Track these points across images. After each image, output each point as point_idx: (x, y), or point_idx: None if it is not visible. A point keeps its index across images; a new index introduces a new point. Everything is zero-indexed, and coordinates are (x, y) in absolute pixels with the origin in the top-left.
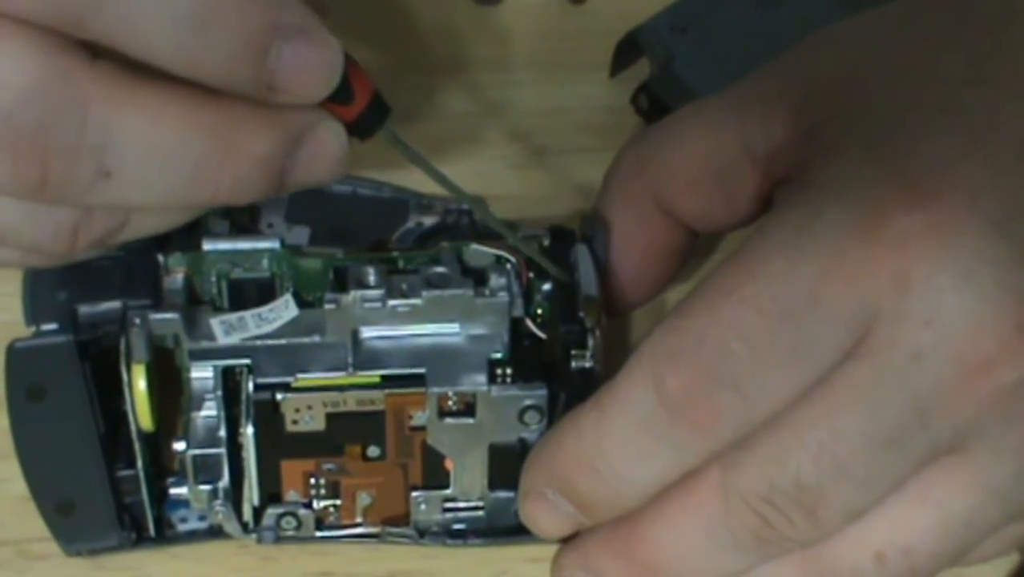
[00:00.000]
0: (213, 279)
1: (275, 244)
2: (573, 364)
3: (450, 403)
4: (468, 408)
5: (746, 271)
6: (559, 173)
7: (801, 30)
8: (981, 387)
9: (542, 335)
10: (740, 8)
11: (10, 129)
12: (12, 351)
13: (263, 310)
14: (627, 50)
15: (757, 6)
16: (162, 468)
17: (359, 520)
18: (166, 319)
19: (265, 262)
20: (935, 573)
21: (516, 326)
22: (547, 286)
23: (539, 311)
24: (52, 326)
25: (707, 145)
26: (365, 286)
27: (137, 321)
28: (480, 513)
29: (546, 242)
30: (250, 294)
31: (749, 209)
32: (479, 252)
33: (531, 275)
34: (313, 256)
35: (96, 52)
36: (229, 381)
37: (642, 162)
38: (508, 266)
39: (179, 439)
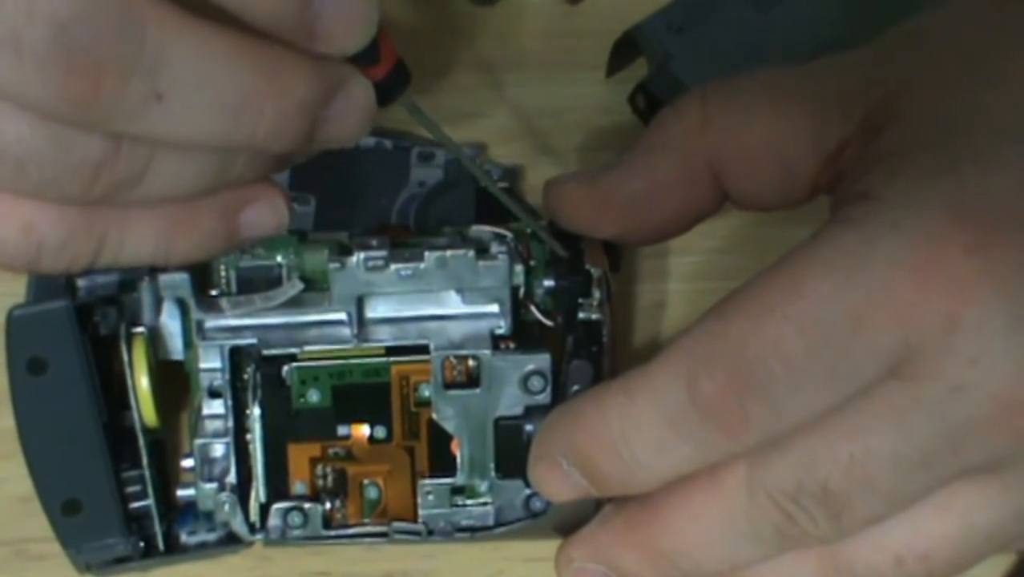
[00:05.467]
0: (222, 269)
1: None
2: (580, 315)
3: (455, 373)
4: (472, 381)
5: (793, 287)
6: (556, 173)
7: (798, 31)
8: (1016, 424)
9: (548, 322)
10: (737, 8)
11: (66, 41)
12: (11, 318)
13: (270, 292)
14: (624, 50)
15: (754, 6)
16: (170, 495)
17: (366, 520)
18: (175, 280)
19: (274, 252)
20: None
21: (517, 299)
22: (549, 281)
23: (542, 305)
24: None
25: (778, 129)
26: (369, 249)
27: (145, 280)
28: (488, 508)
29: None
30: (259, 286)
31: (799, 197)
32: (480, 231)
33: (532, 262)
34: (319, 242)
35: None
36: (236, 370)
37: (707, 121)
38: (508, 238)
39: (187, 456)
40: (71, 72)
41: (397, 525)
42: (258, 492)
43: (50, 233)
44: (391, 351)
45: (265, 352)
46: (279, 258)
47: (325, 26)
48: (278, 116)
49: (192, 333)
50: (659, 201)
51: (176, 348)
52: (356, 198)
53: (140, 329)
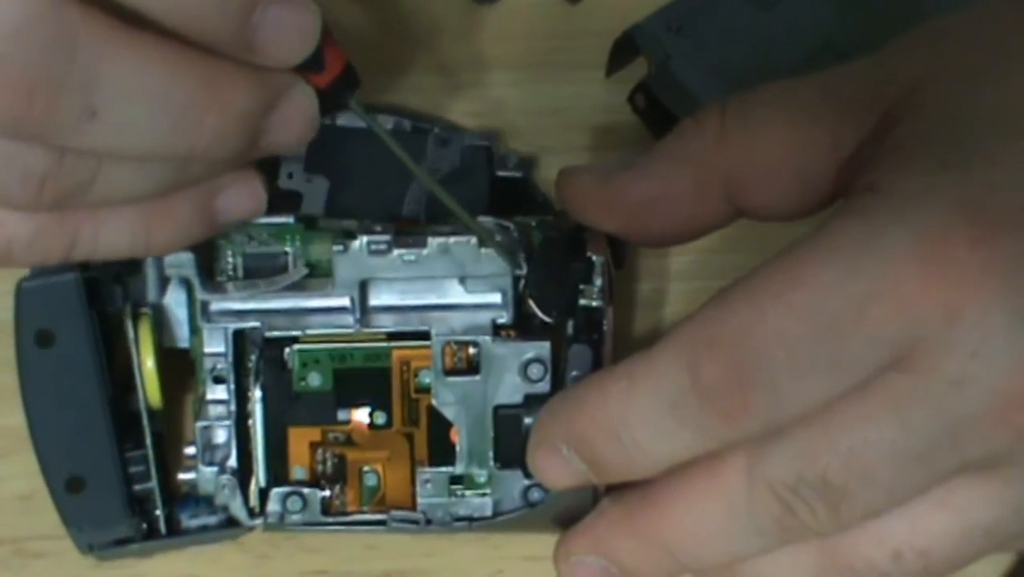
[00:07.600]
0: (229, 255)
1: (289, 219)
2: (580, 301)
3: (455, 359)
4: (472, 368)
5: (797, 276)
6: (556, 173)
7: (798, 30)
8: (1017, 420)
9: (547, 319)
10: (737, 8)
11: None
12: (20, 290)
13: (275, 278)
14: (624, 50)
15: (753, 6)
16: (172, 482)
17: (365, 508)
18: (179, 259)
19: (281, 240)
20: (949, 575)
21: (519, 288)
22: None
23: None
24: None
25: (795, 139)
26: (373, 233)
27: (150, 259)
28: (486, 499)
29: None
30: (265, 273)
31: (817, 205)
32: (485, 222)
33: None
34: (326, 230)
35: None
36: (240, 356)
37: (725, 136)
38: (511, 229)
39: (190, 444)
40: (4, 87)
41: (395, 513)
42: (258, 477)
43: (19, 229)
44: (392, 336)
45: (267, 334)
46: (286, 246)
47: (264, 40)
48: (218, 127)
49: (197, 316)
50: (668, 209)
51: (182, 335)
52: (370, 180)
53: (145, 310)
